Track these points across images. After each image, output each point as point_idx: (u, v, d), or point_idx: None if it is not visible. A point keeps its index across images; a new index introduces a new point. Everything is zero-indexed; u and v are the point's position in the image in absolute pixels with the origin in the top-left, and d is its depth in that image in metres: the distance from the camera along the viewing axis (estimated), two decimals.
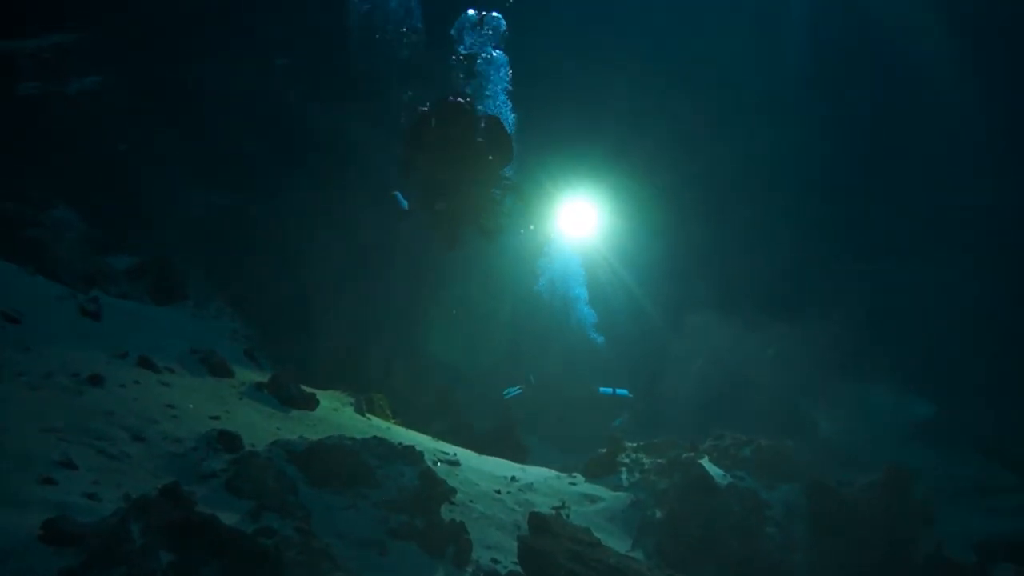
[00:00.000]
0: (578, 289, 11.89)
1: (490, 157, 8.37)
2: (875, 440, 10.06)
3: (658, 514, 7.15)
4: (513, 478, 7.47)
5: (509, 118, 10.71)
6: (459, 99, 8.68)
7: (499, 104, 10.74)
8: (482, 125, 8.66)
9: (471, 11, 10.22)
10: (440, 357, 10.64)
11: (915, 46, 13.17)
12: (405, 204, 8.45)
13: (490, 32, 10.21)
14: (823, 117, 13.31)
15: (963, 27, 12.79)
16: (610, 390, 11.46)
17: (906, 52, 13.17)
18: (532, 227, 9.25)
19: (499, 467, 7.91)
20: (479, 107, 9.51)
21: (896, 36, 13.30)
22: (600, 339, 11.86)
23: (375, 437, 5.96)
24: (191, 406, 5.89)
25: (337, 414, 7.72)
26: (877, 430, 10.46)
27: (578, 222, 10.28)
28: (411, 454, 5.86)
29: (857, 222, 13.15)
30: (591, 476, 8.12)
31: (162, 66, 12.66)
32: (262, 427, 6.30)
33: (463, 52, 10.55)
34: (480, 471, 7.43)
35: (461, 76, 10.14)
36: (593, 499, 7.59)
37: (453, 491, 5.96)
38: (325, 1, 12.95)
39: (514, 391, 11.60)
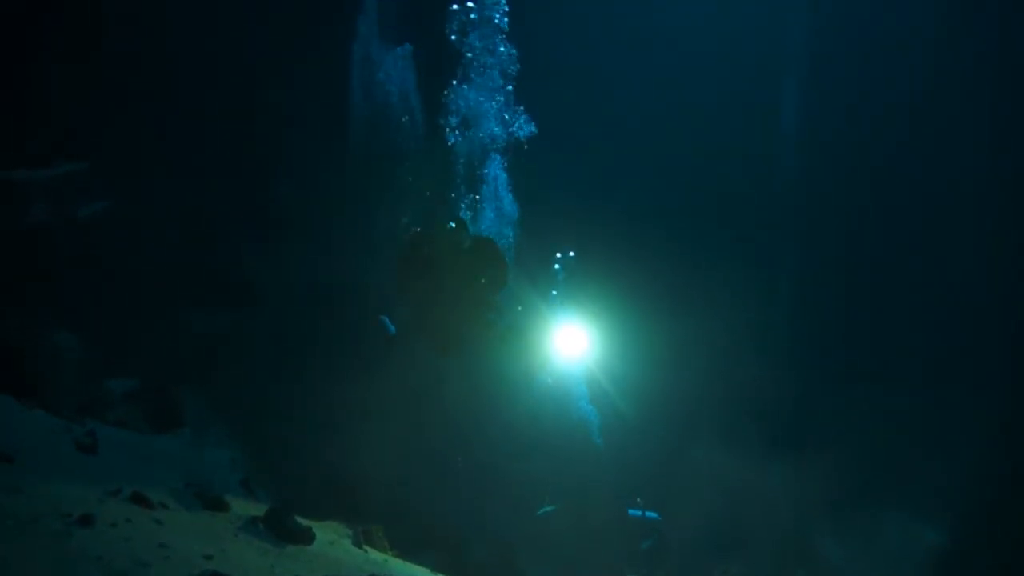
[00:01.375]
0: (579, 387, 11.69)
1: (483, 280, 8.42)
2: (888, 570, 9.75)
3: None
4: None
5: (513, 212, 10.92)
6: (452, 222, 8.82)
7: (501, 196, 10.97)
8: (475, 248, 8.75)
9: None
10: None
11: (928, 162, 13.36)
12: (392, 329, 8.45)
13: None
14: (825, 239, 13.47)
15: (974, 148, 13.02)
16: (639, 512, 11.16)
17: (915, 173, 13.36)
18: (551, 380, 9.27)
19: None
20: (473, 229, 9.68)
21: (904, 152, 13.54)
22: (600, 442, 11.62)
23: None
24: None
25: (334, 547, 7.49)
26: (889, 559, 10.14)
27: (574, 344, 10.22)
28: None
29: (864, 349, 13.10)
30: None
31: (167, 189, 12.94)
32: (256, 566, 6.10)
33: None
34: None
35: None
36: None
37: None
38: (330, 121, 13.34)
39: (548, 509, 11.30)
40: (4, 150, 12.43)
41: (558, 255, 11.42)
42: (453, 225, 8.79)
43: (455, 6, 11.05)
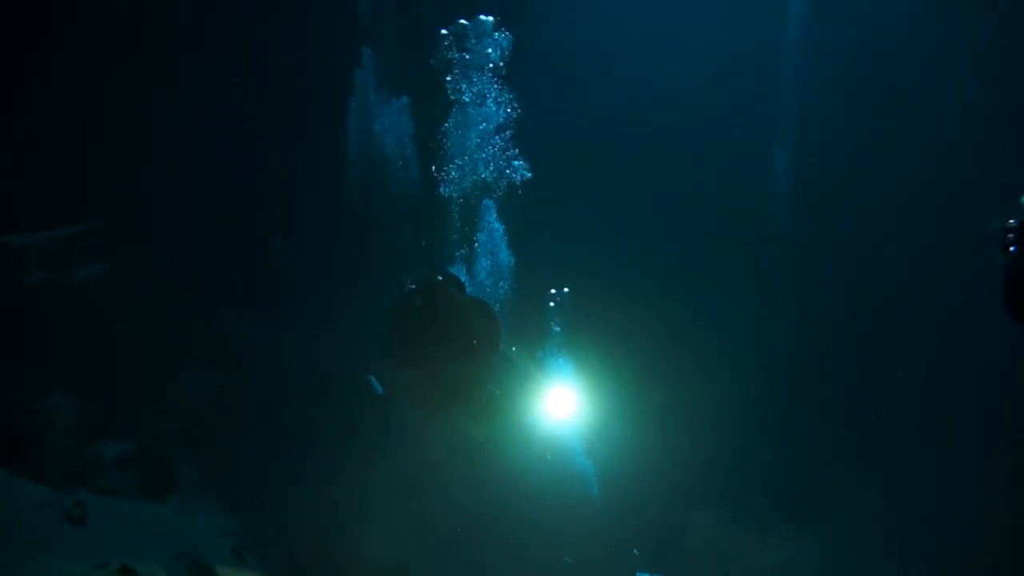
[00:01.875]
0: (573, 440, 11.51)
1: (474, 341, 8.31)
2: None
3: None
4: None
5: (509, 262, 10.85)
6: (447, 279, 8.76)
7: (497, 246, 10.90)
8: (467, 307, 8.67)
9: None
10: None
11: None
12: (380, 389, 8.35)
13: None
14: (822, 306, 13.43)
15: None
16: (647, 575, 10.96)
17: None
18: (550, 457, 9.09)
19: None
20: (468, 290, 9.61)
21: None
22: (596, 493, 11.43)
23: None
24: None
25: None
26: None
27: (564, 406, 10.11)
28: None
29: (860, 419, 13.00)
30: None
31: (164, 252, 12.96)
32: None
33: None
34: None
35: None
36: None
37: None
38: (328, 177, 13.36)
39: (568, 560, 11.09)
40: (3, 213, 12.50)
41: (553, 291, 11.35)
42: (440, 278, 8.69)
43: (444, 31, 10.95)
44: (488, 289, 11.02)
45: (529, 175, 10.87)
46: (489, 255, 11.03)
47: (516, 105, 10.82)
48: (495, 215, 11.11)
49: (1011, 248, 4.66)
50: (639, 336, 12.02)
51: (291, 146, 13.53)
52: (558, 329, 11.34)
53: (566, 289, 11.28)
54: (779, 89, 14.08)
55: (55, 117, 13.08)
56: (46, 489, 7.45)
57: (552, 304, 11.32)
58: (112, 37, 12.82)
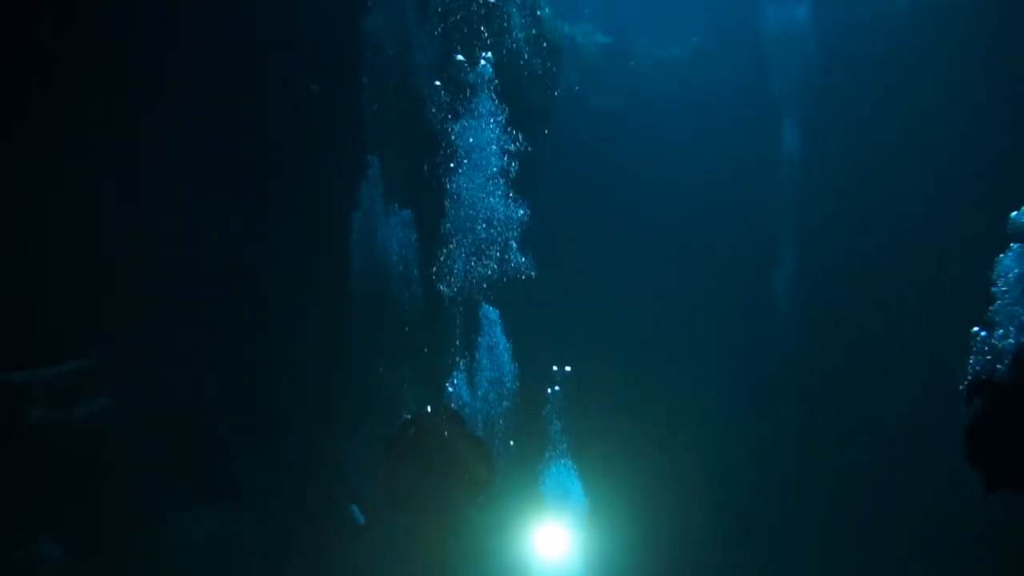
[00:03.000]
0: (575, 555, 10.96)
1: (465, 477, 8.19)
2: None
3: None
4: None
5: (510, 373, 10.60)
6: (443, 412, 8.64)
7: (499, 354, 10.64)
8: (460, 444, 8.54)
9: None
10: None
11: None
12: (361, 520, 8.22)
13: None
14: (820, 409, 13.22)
15: None
16: None
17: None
18: None
19: None
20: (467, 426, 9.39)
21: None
22: None
23: None
24: None
25: None
26: None
27: (561, 546, 9.70)
28: None
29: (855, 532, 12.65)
30: None
31: (166, 388, 12.84)
32: None
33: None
34: None
35: None
36: None
37: None
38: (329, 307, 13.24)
39: None
40: (9, 350, 12.51)
41: (555, 368, 11.02)
42: (434, 410, 8.63)
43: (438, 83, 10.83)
44: (491, 402, 10.84)
45: (533, 274, 10.79)
46: (492, 366, 10.82)
47: (522, 204, 10.79)
48: (500, 329, 10.96)
49: (973, 400, 4.84)
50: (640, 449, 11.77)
51: (292, 265, 13.45)
52: (558, 430, 11.00)
53: (568, 368, 11.00)
54: (779, 205, 14.29)
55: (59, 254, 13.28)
56: None
57: (556, 388, 11.01)
58: (109, 167, 13.01)
